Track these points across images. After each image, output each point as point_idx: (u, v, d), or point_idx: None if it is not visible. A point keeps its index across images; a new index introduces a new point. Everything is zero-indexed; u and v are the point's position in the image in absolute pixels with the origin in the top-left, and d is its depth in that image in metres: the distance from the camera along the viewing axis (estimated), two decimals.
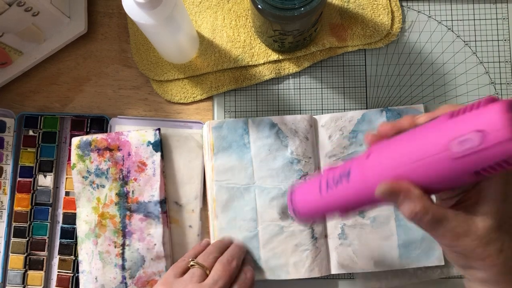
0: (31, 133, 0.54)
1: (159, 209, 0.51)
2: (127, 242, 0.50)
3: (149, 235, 0.51)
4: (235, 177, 0.51)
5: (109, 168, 0.51)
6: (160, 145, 0.52)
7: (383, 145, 0.31)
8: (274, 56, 0.54)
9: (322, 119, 0.53)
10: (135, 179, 0.51)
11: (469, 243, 0.29)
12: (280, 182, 0.51)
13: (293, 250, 0.50)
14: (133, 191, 0.51)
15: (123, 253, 0.50)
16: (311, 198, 0.36)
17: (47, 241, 0.53)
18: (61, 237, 0.53)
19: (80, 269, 0.51)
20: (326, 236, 0.51)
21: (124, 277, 0.50)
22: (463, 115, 0.27)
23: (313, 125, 0.52)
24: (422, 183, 0.29)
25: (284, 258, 0.50)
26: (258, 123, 0.51)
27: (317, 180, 0.36)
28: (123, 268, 0.50)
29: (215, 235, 0.51)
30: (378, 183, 0.30)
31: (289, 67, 0.54)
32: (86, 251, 0.50)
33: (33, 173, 0.53)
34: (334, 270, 0.51)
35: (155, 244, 0.50)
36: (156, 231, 0.51)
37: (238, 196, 0.51)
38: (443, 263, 0.50)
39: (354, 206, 0.34)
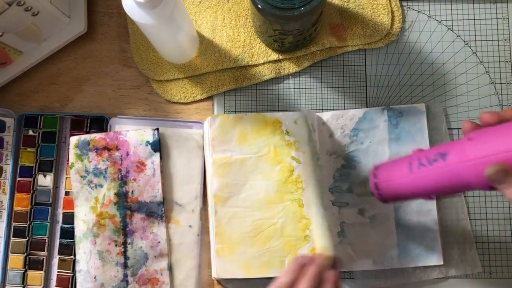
0: (31, 133, 0.54)
1: (162, 209, 0.51)
2: (128, 240, 0.51)
3: (152, 233, 0.51)
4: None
5: (107, 167, 0.51)
6: (159, 145, 0.52)
7: (485, 131, 0.33)
8: (274, 55, 0.54)
9: (324, 117, 0.53)
10: (134, 179, 0.51)
11: None
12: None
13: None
14: (132, 191, 0.51)
15: (125, 251, 0.50)
16: (399, 175, 0.37)
17: (47, 241, 0.53)
18: (61, 237, 0.53)
19: (77, 268, 0.51)
20: None
21: (125, 275, 0.50)
22: None
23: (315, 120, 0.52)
24: None
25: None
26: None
27: (406, 159, 0.37)
28: (125, 266, 0.50)
29: (215, 232, 0.51)
30: (480, 165, 0.31)
31: (289, 67, 0.54)
32: (83, 250, 0.50)
33: (33, 173, 0.53)
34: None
35: (159, 242, 0.51)
36: (159, 229, 0.51)
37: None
38: (442, 263, 0.50)
39: (443, 189, 0.35)
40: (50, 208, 0.53)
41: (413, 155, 0.37)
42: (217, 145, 0.51)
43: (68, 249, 0.52)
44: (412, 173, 0.36)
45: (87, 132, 0.54)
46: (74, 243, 0.52)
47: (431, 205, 0.51)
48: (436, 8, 0.55)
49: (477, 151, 0.32)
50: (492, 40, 0.54)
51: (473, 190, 0.35)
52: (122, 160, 0.51)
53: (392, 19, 0.54)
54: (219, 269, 0.50)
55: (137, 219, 0.51)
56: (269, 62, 0.55)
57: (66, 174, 0.54)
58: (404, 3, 0.55)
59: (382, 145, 0.52)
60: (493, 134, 0.32)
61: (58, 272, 0.52)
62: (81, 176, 0.51)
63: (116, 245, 0.50)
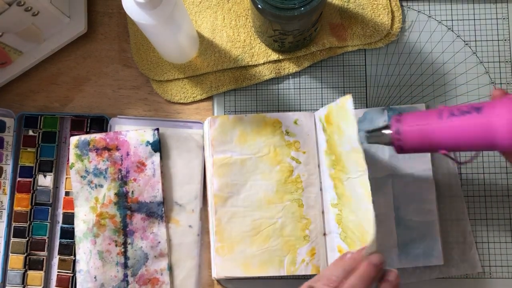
0: (31, 133, 0.54)
1: (162, 209, 0.51)
2: (129, 240, 0.51)
3: (153, 233, 0.51)
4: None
5: (107, 168, 0.51)
6: (159, 145, 0.52)
7: None
8: (274, 56, 0.54)
9: (322, 112, 0.53)
10: (135, 180, 0.51)
11: None
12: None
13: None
14: (132, 191, 0.51)
15: (125, 251, 0.50)
16: (427, 121, 0.36)
17: (47, 241, 0.53)
18: (61, 237, 0.53)
19: (77, 268, 0.51)
20: (324, 234, 0.51)
21: (126, 275, 0.50)
22: None
23: (313, 122, 0.52)
24: None
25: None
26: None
27: (435, 110, 0.36)
28: (125, 266, 0.50)
29: (215, 231, 0.51)
30: None
31: (289, 67, 0.54)
32: (83, 250, 0.50)
33: (33, 173, 0.53)
34: None
35: (159, 242, 0.51)
36: (159, 229, 0.51)
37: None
38: (442, 263, 0.50)
39: (470, 142, 0.34)
40: (50, 208, 0.53)
41: (444, 107, 0.36)
42: (217, 145, 0.51)
43: (68, 249, 0.52)
44: (441, 121, 0.35)
45: (87, 132, 0.54)
46: (74, 243, 0.52)
47: (431, 205, 0.51)
48: (436, 8, 0.55)
49: (509, 108, 0.32)
50: (492, 40, 0.54)
51: (495, 150, 0.35)
52: (122, 160, 0.51)
53: (392, 19, 0.54)
54: (219, 268, 0.50)
55: (137, 219, 0.51)
56: (269, 62, 0.55)
57: (66, 174, 0.54)
58: (404, 3, 0.55)
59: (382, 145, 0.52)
60: None
61: (58, 272, 0.52)
62: (81, 176, 0.51)
63: (116, 245, 0.51)
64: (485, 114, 0.34)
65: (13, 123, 0.54)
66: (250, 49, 0.54)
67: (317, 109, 0.54)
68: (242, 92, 0.55)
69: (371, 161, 0.52)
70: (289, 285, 0.52)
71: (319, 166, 0.52)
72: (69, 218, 0.53)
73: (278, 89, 0.55)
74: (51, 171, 0.54)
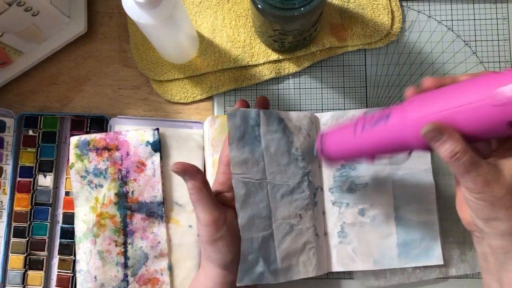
0: (31, 133, 0.54)
1: (162, 209, 0.51)
2: (129, 240, 0.51)
3: (153, 233, 0.51)
4: (249, 171, 0.46)
5: (107, 168, 0.51)
6: (159, 145, 0.52)
7: (425, 95, 0.34)
8: (274, 56, 0.54)
9: (324, 117, 0.53)
10: (135, 180, 0.51)
11: (498, 190, 0.31)
12: (288, 179, 0.49)
13: (301, 248, 0.48)
14: (132, 191, 0.51)
15: (125, 251, 0.50)
16: (344, 139, 0.38)
17: (47, 241, 0.53)
18: (61, 237, 0.53)
19: (77, 268, 0.51)
20: (326, 234, 0.51)
21: (126, 275, 0.50)
22: (507, 70, 0.30)
23: (314, 123, 0.52)
24: (461, 128, 0.31)
25: (295, 257, 0.47)
26: (269, 116, 0.48)
27: (351, 124, 0.38)
28: (125, 266, 0.50)
29: None
30: (418, 125, 0.32)
31: (289, 67, 0.54)
32: (83, 250, 0.50)
33: (33, 173, 0.53)
34: (333, 269, 0.51)
35: (159, 242, 0.51)
36: (159, 229, 0.51)
37: (254, 191, 0.46)
38: (442, 263, 0.50)
39: (386, 149, 0.36)
40: (50, 208, 0.53)
41: (358, 120, 0.38)
42: (218, 145, 0.51)
43: (68, 249, 0.52)
44: (355, 137, 0.37)
45: (87, 132, 0.54)
46: (74, 243, 0.52)
47: (431, 204, 0.51)
48: (436, 8, 0.55)
49: (416, 112, 0.33)
50: (492, 40, 0.54)
51: (413, 150, 0.36)
52: (122, 160, 0.51)
53: (392, 19, 0.54)
54: None
55: (137, 219, 0.51)
56: (269, 62, 0.55)
57: (66, 174, 0.54)
58: (404, 3, 0.55)
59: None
60: (431, 97, 0.33)
61: (58, 272, 0.52)
62: (81, 176, 0.51)
63: (116, 245, 0.51)
64: (391, 123, 0.35)
65: (13, 123, 0.54)
66: (250, 49, 0.54)
67: (317, 109, 0.54)
68: (242, 92, 0.55)
69: None
70: (289, 283, 0.52)
71: (319, 166, 0.52)
72: (69, 218, 0.53)
73: (278, 89, 0.55)
74: (51, 171, 0.54)
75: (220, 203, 0.43)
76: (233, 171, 0.44)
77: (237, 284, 0.41)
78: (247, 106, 0.47)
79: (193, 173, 0.41)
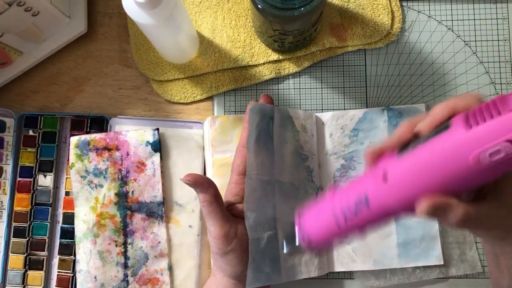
0: (31, 133, 0.54)
1: (163, 209, 0.51)
2: (129, 240, 0.51)
3: (153, 233, 0.51)
4: (262, 170, 0.45)
5: (107, 168, 0.51)
6: (159, 145, 0.52)
7: (396, 164, 0.30)
8: (274, 56, 0.54)
9: (324, 117, 0.53)
10: (135, 180, 0.51)
11: (508, 222, 0.31)
12: (293, 178, 0.48)
13: None
14: (133, 191, 0.51)
15: (125, 251, 0.50)
16: (328, 231, 0.35)
17: (47, 241, 0.53)
18: (61, 237, 0.53)
19: (77, 268, 0.51)
20: None
21: (126, 275, 0.50)
22: (484, 124, 0.26)
23: (315, 123, 0.52)
24: (450, 191, 0.29)
25: (297, 257, 0.47)
26: (282, 113, 0.48)
27: (328, 209, 0.35)
28: (125, 266, 0.50)
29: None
30: (405, 204, 0.30)
31: (289, 67, 0.54)
32: (83, 250, 0.50)
33: (33, 173, 0.53)
34: (333, 268, 0.51)
35: (159, 242, 0.51)
36: (159, 229, 0.51)
37: (264, 191, 0.45)
38: (442, 263, 0.50)
39: (375, 225, 0.34)
40: (50, 208, 0.53)
41: (334, 205, 0.34)
42: (218, 145, 0.51)
43: (68, 249, 0.52)
44: (340, 229, 0.34)
45: (87, 132, 0.54)
46: (74, 243, 0.52)
47: None
48: (436, 8, 0.55)
49: (397, 192, 0.30)
50: (492, 40, 0.54)
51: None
52: (122, 160, 0.51)
53: (392, 19, 0.54)
54: None
55: (138, 219, 0.51)
56: (269, 62, 0.55)
57: (66, 174, 0.54)
58: (404, 3, 0.55)
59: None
60: (405, 169, 0.30)
61: (58, 272, 0.52)
62: (81, 176, 0.51)
63: (116, 245, 0.51)
64: (373, 209, 0.32)
65: (13, 123, 0.54)
66: (250, 49, 0.54)
67: (317, 110, 0.54)
68: (242, 92, 0.55)
69: None
70: (289, 283, 0.52)
71: (320, 166, 0.52)
72: (69, 218, 0.53)
73: (278, 89, 0.55)
74: (51, 171, 0.54)
75: (231, 214, 0.43)
76: (249, 169, 0.43)
77: (247, 287, 0.41)
78: (271, 102, 0.47)
79: (204, 186, 0.40)
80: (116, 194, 0.51)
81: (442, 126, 0.29)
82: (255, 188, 0.44)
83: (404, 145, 0.31)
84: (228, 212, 0.42)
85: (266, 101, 0.46)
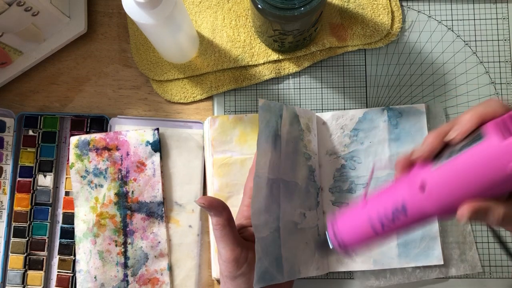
0: (31, 133, 0.54)
1: (163, 209, 0.51)
2: (129, 240, 0.51)
3: (153, 233, 0.51)
4: (270, 168, 0.45)
5: (107, 168, 0.51)
6: (159, 145, 0.52)
7: (433, 174, 0.32)
8: (274, 56, 0.54)
9: (324, 117, 0.53)
10: (135, 179, 0.51)
11: None
12: (297, 177, 0.48)
13: (304, 247, 0.48)
14: (132, 191, 0.51)
15: (125, 251, 0.50)
16: (365, 237, 0.37)
17: (47, 241, 0.53)
18: (61, 237, 0.53)
19: (77, 268, 0.51)
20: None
21: (126, 275, 0.50)
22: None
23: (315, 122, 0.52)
24: (489, 196, 0.31)
25: (297, 256, 0.47)
26: (290, 111, 0.48)
27: (363, 216, 0.36)
28: (125, 266, 0.50)
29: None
30: (444, 210, 0.32)
31: (289, 67, 0.54)
32: (83, 250, 0.50)
33: (33, 173, 0.53)
34: (333, 268, 0.51)
35: (159, 242, 0.51)
36: (159, 229, 0.51)
37: (270, 190, 0.44)
38: (442, 263, 0.50)
39: (414, 230, 0.36)
40: (50, 208, 0.53)
41: (369, 210, 0.36)
42: (218, 145, 0.51)
43: (68, 249, 0.52)
44: (377, 233, 0.36)
45: (87, 132, 0.54)
46: (74, 243, 0.52)
47: None
48: (436, 8, 0.55)
49: (436, 204, 0.32)
50: (492, 40, 0.54)
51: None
52: (122, 160, 0.51)
53: (392, 19, 0.54)
54: (219, 268, 0.50)
55: (137, 219, 0.51)
56: (269, 62, 0.55)
57: (66, 174, 0.54)
58: (404, 3, 0.55)
59: (382, 145, 0.52)
60: (443, 179, 0.31)
61: (58, 272, 0.52)
62: (81, 176, 0.51)
63: (116, 245, 0.51)
64: (411, 216, 0.34)
65: (13, 123, 0.54)
66: (250, 49, 0.54)
67: (317, 109, 0.54)
68: (242, 92, 0.55)
69: (372, 161, 0.52)
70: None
71: (320, 166, 0.52)
72: (69, 218, 0.53)
73: (278, 89, 0.55)
74: (51, 171, 0.54)
75: (243, 237, 0.43)
76: (257, 168, 0.43)
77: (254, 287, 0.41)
78: None
79: (219, 209, 0.41)
80: (116, 194, 0.51)
81: (475, 135, 0.31)
82: (262, 187, 0.43)
83: (436, 155, 0.33)
84: (239, 236, 0.42)
85: None
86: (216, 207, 0.40)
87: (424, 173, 0.33)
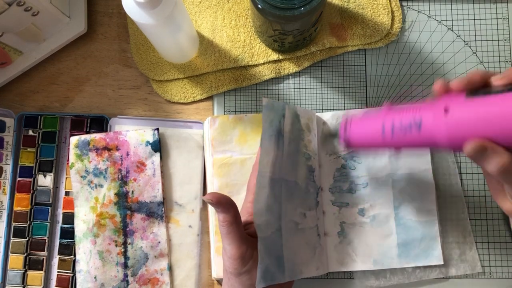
0: (31, 133, 0.54)
1: (162, 209, 0.51)
2: (129, 240, 0.51)
3: (153, 233, 0.51)
4: (273, 168, 0.44)
5: (107, 168, 0.51)
6: (159, 145, 0.52)
7: (463, 103, 0.32)
8: (274, 56, 0.54)
9: (324, 117, 0.53)
10: (135, 179, 0.51)
11: None
12: (297, 177, 0.48)
13: (304, 247, 0.48)
14: (132, 191, 0.51)
15: (125, 251, 0.50)
16: (371, 136, 0.37)
17: (47, 241, 0.53)
18: (60, 237, 0.53)
19: (77, 268, 0.51)
20: (325, 234, 0.51)
21: (126, 275, 0.50)
22: None
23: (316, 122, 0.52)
24: (503, 143, 0.31)
25: (298, 256, 0.47)
26: (292, 110, 0.48)
27: (379, 119, 0.37)
28: (125, 266, 0.50)
29: (215, 231, 0.51)
30: (454, 140, 0.32)
31: (289, 67, 0.54)
32: (83, 250, 0.50)
33: (33, 173, 0.53)
34: (333, 268, 0.51)
35: (159, 242, 0.51)
36: (159, 229, 0.51)
37: (272, 190, 0.44)
38: (442, 263, 0.50)
39: (414, 149, 0.36)
40: (50, 208, 0.53)
41: (387, 116, 0.37)
42: (218, 145, 0.51)
43: (68, 249, 0.52)
44: (385, 137, 0.37)
45: (87, 132, 0.54)
46: (74, 243, 0.52)
47: (431, 204, 0.51)
48: (436, 8, 0.55)
49: (454, 127, 0.32)
50: (492, 40, 0.54)
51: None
52: (122, 160, 0.51)
53: (392, 19, 0.54)
54: (219, 268, 0.50)
55: (137, 219, 0.51)
56: (269, 62, 0.55)
57: (66, 174, 0.54)
58: (404, 3, 0.55)
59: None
60: (469, 110, 0.31)
61: (58, 272, 0.52)
62: (81, 176, 0.51)
63: (116, 245, 0.51)
64: (424, 134, 0.34)
65: (13, 123, 0.54)
66: (250, 49, 0.54)
67: (317, 109, 0.54)
68: (242, 92, 0.55)
69: (371, 161, 0.52)
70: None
71: (320, 166, 0.52)
72: (69, 218, 0.53)
73: (278, 89, 0.55)
74: (51, 171, 0.54)
75: (247, 233, 0.43)
76: (260, 167, 0.43)
77: (257, 287, 0.41)
78: None
79: (226, 206, 0.40)
80: (116, 194, 0.51)
81: None
82: (265, 186, 0.43)
83: (473, 91, 0.33)
84: (245, 233, 0.42)
85: None
86: (224, 204, 0.40)
87: (453, 100, 0.33)
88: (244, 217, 0.45)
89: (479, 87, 0.33)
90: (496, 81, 0.32)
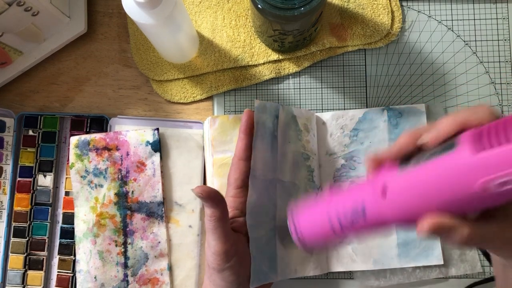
0: (30, 133, 0.54)
1: (162, 209, 0.51)
2: (129, 240, 0.51)
3: (153, 233, 0.51)
4: (266, 169, 0.45)
5: (107, 168, 0.51)
6: (159, 145, 0.52)
7: (396, 179, 0.29)
8: (274, 56, 0.54)
9: (324, 117, 0.53)
10: (135, 179, 0.51)
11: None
12: (295, 178, 0.48)
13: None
14: (132, 191, 0.51)
15: (125, 251, 0.50)
16: (321, 232, 0.34)
17: (46, 241, 0.53)
18: (60, 237, 0.53)
19: (77, 268, 0.51)
20: None
21: (126, 275, 0.50)
22: (493, 150, 0.25)
23: (316, 122, 0.52)
24: (454, 212, 0.28)
25: (294, 256, 0.47)
26: (286, 112, 0.48)
27: (324, 214, 0.33)
28: (125, 266, 0.50)
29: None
30: (404, 220, 0.29)
31: (289, 67, 0.54)
32: (83, 250, 0.50)
33: (33, 173, 0.53)
34: (333, 268, 0.51)
35: (159, 242, 0.51)
36: (159, 229, 0.51)
37: (266, 190, 0.44)
38: (442, 263, 0.50)
39: (373, 235, 0.33)
40: (50, 208, 0.53)
41: (330, 205, 0.33)
42: (217, 145, 0.51)
43: (68, 249, 0.52)
44: (335, 230, 0.33)
45: (87, 132, 0.54)
46: (74, 243, 0.52)
47: None
48: (436, 8, 0.55)
49: (396, 209, 0.29)
50: (492, 40, 0.54)
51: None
52: (122, 160, 0.51)
53: (392, 19, 0.54)
54: None
55: (137, 219, 0.51)
56: (269, 62, 0.55)
57: (66, 174, 0.54)
58: (404, 3, 0.55)
59: (382, 145, 0.52)
60: (406, 186, 0.28)
61: (58, 272, 0.52)
62: (81, 176, 0.51)
63: (116, 245, 0.51)
64: (369, 220, 0.31)
65: (13, 123, 0.54)
66: (250, 49, 0.54)
67: (317, 109, 0.54)
68: (242, 92, 0.55)
69: None
70: (289, 283, 0.52)
71: (320, 166, 0.52)
72: (69, 218, 0.53)
73: (278, 89, 0.55)
74: (51, 171, 0.54)
75: (232, 229, 0.42)
76: (253, 168, 0.43)
77: (251, 287, 0.41)
78: (252, 119, 0.46)
79: (215, 201, 0.39)
80: (116, 194, 0.51)
81: (448, 143, 0.27)
82: (259, 187, 0.43)
83: (407, 157, 0.30)
84: (231, 229, 0.42)
85: (249, 117, 0.45)
86: (213, 199, 0.39)
87: (388, 177, 0.30)
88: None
89: (413, 151, 0.30)
90: (428, 143, 0.29)
